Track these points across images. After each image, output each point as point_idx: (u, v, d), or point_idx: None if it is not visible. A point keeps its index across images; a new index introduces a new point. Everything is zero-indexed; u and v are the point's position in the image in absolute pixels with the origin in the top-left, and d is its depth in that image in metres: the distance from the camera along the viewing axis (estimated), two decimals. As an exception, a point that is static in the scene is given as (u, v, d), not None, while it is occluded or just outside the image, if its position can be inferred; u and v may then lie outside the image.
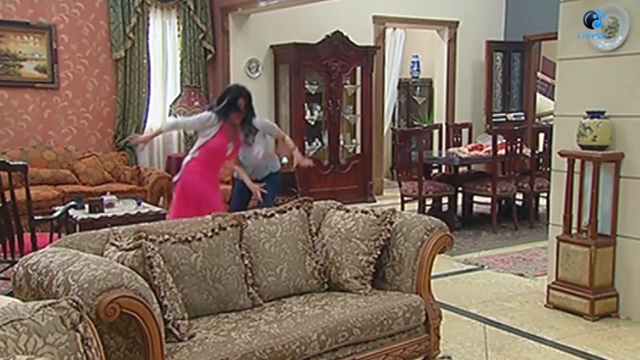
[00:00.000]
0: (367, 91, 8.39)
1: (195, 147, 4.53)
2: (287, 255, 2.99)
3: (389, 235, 3.06)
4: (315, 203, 3.29)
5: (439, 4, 9.10)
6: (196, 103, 7.20)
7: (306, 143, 8.02)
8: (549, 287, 4.27)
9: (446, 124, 8.69)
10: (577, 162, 4.14)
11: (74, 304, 1.75)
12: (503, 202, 7.08)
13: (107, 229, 2.83)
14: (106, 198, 5.05)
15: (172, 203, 4.61)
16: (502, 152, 6.55)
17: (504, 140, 6.59)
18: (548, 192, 5.44)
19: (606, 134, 3.96)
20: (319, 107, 8.22)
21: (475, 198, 7.19)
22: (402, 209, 6.46)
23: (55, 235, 4.14)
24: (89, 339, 1.75)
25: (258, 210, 3.11)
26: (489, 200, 6.71)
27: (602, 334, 3.79)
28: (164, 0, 7.57)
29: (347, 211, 3.21)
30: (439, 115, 9.64)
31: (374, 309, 2.83)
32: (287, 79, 7.93)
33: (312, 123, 8.16)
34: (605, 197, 4.05)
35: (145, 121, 7.56)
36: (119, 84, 7.35)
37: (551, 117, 6.97)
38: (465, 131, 8.28)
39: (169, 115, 7.51)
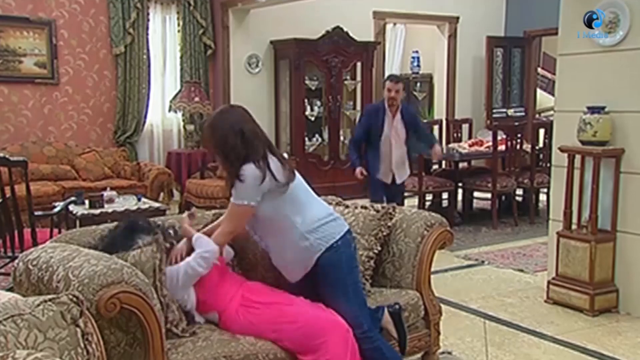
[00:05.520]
0: (367, 87, 8.38)
1: None
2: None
3: (389, 230, 3.06)
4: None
5: (440, 0, 9.08)
6: (196, 99, 7.20)
7: (306, 139, 8.02)
8: (549, 282, 4.28)
9: (446, 119, 8.68)
10: (578, 157, 4.14)
11: (75, 299, 1.75)
12: (503, 197, 7.08)
13: (108, 225, 2.83)
14: (106, 194, 5.05)
15: None
16: (502, 147, 6.55)
17: (504, 136, 6.59)
18: (548, 188, 5.44)
19: (606, 130, 3.96)
20: (319, 103, 8.21)
21: (476, 194, 7.19)
22: (402, 204, 6.46)
23: (56, 230, 4.14)
24: (89, 334, 1.75)
25: None
26: (489, 195, 6.71)
27: (602, 329, 3.80)
28: (164, -4, 7.56)
29: (347, 207, 3.20)
30: (439, 111, 9.63)
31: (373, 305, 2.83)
32: (287, 75, 7.92)
33: (312, 119, 8.15)
34: (605, 192, 4.05)
35: (145, 117, 7.56)
36: (119, 80, 7.34)
37: (551, 112, 6.96)
38: (465, 127, 8.27)
39: (169, 110, 7.51)
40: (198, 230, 2.78)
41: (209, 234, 2.68)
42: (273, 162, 2.55)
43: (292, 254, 2.62)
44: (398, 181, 5.32)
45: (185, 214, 2.79)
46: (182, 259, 2.58)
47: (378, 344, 2.60)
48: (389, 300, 2.89)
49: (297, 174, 2.69)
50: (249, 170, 2.50)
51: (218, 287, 2.56)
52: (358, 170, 5.28)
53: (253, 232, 2.71)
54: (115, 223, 2.74)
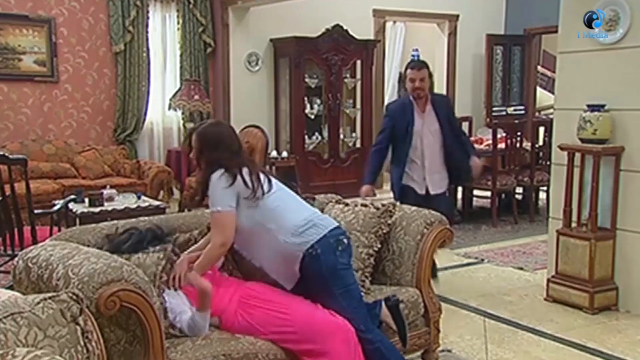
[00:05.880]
0: (367, 85, 8.38)
1: None
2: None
3: (389, 228, 3.06)
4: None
5: (439, -2, 9.08)
6: (196, 97, 7.19)
7: (306, 137, 8.02)
8: (548, 280, 4.28)
9: (446, 117, 8.67)
10: (577, 155, 4.14)
11: (74, 297, 1.75)
12: (503, 195, 7.08)
13: (108, 223, 2.83)
14: (106, 192, 5.05)
15: None
16: (502, 145, 6.55)
17: (504, 134, 6.59)
18: (548, 186, 5.44)
19: (606, 128, 3.96)
20: (319, 101, 8.21)
21: (475, 192, 7.18)
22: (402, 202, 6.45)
23: (55, 228, 4.14)
24: (89, 332, 1.75)
25: None
26: (489, 194, 6.71)
27: (601, 327, 3.80)
28: (164, -6, 7.55)
29: (347, 204, 3.21)
30: (439, 109, 9.61)
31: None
32: (287, 73, 7.92)
33: (312, 117, 8.15)
34: (605, 190, 4.05)
35: (145, 115, 7.55)
36: (119, 78, 7.34)
37: (551, 110, 6.96)
38: (465, 125, 8.26)
39: (169, 109, 7.51)
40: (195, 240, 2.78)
41: (200, 250, 2.66)
42: (246, 173, 2.58)
43: (275, 263, 2.63)
44: (433, 191, 4.20)
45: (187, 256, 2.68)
46: (179, 284, 2.56)
47: (377, 345, 2.59)
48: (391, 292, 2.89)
49: (277, 182, 2.69)
50: (216, 174, 2.55)
51: (214, 293, 2.53)
52: (363, 189, 4.12)
53: (239, 248, 2.71)
54: (132, 225, 2.72)
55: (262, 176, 2.63)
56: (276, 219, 2.59)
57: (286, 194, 2.71)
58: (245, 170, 2.58)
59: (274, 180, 2.69)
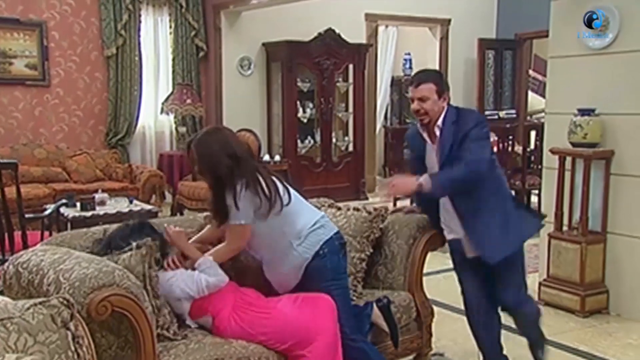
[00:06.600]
0: (359, 89, 8.39)
1: None
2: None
3: (381, 232, 3.06)
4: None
5: (431, 2, 9.10)
6: (188, 101, 7.18)
7: (298, 141, 8.02)
8: (540, 283, 4.29)
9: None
10: (568, 159, 4.17)
11: (65, 302, 1.74)
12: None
13: (99, 227, 2.82)
14: (98, 196, 5.03)
15: None
16: (494, 149, 6.56)
17: (496, 138, 6.61)
18: (539, 190, 5.46)
19: (597, 132, 3.98)
20: (311, 105, 8.21)
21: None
22: (395, 206, 6.45)
23: (47, 233, 4.12)
24: (80, 338, 1.74)
25: None
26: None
27: (592, 330, 3.82)
28: (156, -2, 7.54)
29: (339, 209, 3.21)
30: (431, 113, 9.63)
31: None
32: (280, 77, 7.92)
33: (305, 121, 8.15)
34: (595, 194, 4.08)
35: (137, 119, 7.53)
36: (111, 82, 7.32)
37: (542, 114, 7.00)
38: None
39: (161, 113, 7.49)
40: (191, 234, 2.78)
41: (200, 242, 2.70)
42: (265, 184, 2.57)
43: (283, 265, 2.65)
44: (487, 255, 2.85)
45: (178, 229, 2.71)
46: (176, 266, 2.59)
47: (361, 344, 2.63)
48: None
49: (288, 187, 2.69)
50: (243, 191, 2.52)
51: (210, 298, 2.56)
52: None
53: (248, 247, 2.73)
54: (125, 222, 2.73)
55: (280, 187, 2.62)
56: (291, 223, 2.63)
57: (297, 198, 2.72)
58: (263, 184, 2.55)
59: (288, 187, 2.69)
